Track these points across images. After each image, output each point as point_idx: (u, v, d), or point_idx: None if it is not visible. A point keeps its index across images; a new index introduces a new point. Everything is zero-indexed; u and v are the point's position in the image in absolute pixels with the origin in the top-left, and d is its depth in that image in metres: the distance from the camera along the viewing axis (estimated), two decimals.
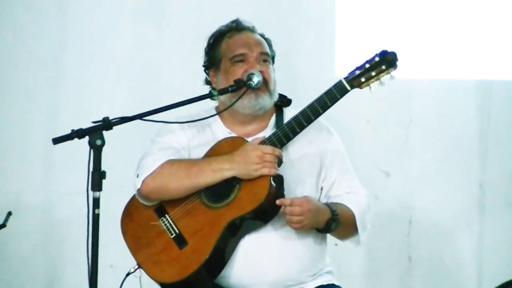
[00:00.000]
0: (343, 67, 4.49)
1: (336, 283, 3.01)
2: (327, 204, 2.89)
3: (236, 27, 3.04)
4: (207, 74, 3.09)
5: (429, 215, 4.60)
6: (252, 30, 3.05)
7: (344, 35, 4.56)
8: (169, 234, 2.88)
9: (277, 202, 2.76)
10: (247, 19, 3.10)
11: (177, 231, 2.88)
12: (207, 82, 3.09)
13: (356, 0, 4.58)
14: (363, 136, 4.51)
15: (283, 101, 3.03)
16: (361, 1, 4.57)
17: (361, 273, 4.60)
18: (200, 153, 2.93)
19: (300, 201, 2.78)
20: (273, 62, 3.05)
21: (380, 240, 4.59)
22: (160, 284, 2.90)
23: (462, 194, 4.60)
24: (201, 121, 2.95)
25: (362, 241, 3.00)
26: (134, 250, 2.94)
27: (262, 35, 3.06)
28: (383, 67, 2.76)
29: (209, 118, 2.97)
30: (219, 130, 2.99)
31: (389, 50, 2.77)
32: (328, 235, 3.01)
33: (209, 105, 3.03)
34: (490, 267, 4.58)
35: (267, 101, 2.94)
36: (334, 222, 2.84)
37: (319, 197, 2.99)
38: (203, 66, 3.10)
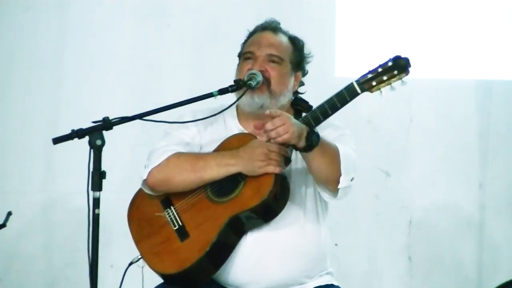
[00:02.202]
0: (343, 67, 4.50)
1: (335, 284, 3.01)
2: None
3: (261, 27, 3.06)
4: None
5: (429, 215, 4.60)
6: (275, 31, 3.04)
7: (344, 35, 4.57)
8: (172, 226, 2.90)
9: (266, 112, 2.70)
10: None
11: (180, 223, 2.89)
12: None
13: (356, 0, 4.58)
14: (363, 136, 4.51)
15: (304, 106, 3.01)
16: (361, 1, 4.57)
17: (361, 273, 4.60)
18: (211, 147, 2.95)
19: (276, 113, 2.71)
20: (299, 66, 3.04)
21: (380, 240, 4.60)
22: (160, 275, 2.91)
23: (462, 194, 4.61)
24: (216, 116, 2.95)
25: (343, 191, 2.83)
26: (137, 240, 2.95)
27: (292, 38, 3.05)
28: (395, 72, 2.74)
29: (225, 113, 2.97)
30: (233, 126, 3.01)
31: (402, 56, 2.76)
32: (330, 238, 3.02)
33: (230, 100, 3.01)
34: (490, 267, 4.58)
35: (266, 101, 2.93)
36: (314, 134, 2.73)
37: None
38: None
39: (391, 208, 4.60)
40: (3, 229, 3.87)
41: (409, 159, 4.61)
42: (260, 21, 3.11)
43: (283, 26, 3.08)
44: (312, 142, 2.72)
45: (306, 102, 3.02)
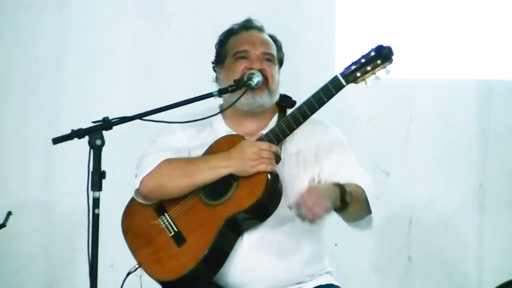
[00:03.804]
0: (343, 67, 4.50)
1: (335, 283, 3.01)
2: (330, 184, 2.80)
3: (245, 26, 3.05)
4: (215, 71, 3.09)
5: (429, 215, 4.60)
6: (260, 29, 3.05)
7: (344, 35, 4.56)
8: (168, 232, 2.89)
9: (289, 207, 2.69)
10: (253, 18, 3.11)
11: (176, 229, 2.88)
12: (217, 79, 3.09)
13: (356, 1, 4.58)
14: (363, 136, 4.51)
15: (288, 102, 3.03)
16: (361, 1, 4.57)
17: (361, 273, 4.60)
18: (200, 152, 2.94)
19: (307, 192, 2.67)
20: (281, 65, 3.05)
21: (380, 240, 4.59)
22: (160, 282, 2.91)
23: (462, 194, 4.60)
24: (202, 120, 2.95)
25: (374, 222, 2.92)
26: (134, 249, 2.95)
27: (272, 37, 3.06)
28: (379, 61, 2.77)
29: (211, 117, 2.97)
30: (220, 129, 3.00)
31: (384, 45, 2.77)
32: (328, 235, 3.03)
33: (213, 103, 3.02)
34: (490, 267, 4.58)
35: (266, 100, 2.94)
36: (347, 194, 2.73)
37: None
38: (212, 63, 3.10)
39: (391, 208, 4.59)
40: (3, 229, 3.88)
41: (409, 159, 4.61)
42: (260, 20, 3.11)
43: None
44: (347, 201, 2.72)
45: (290, 98, 3.03)
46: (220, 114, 2.99)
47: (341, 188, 2.73)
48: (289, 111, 3.03)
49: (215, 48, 3.11)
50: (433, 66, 4.55)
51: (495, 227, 4.59)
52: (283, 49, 3.12)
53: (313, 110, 2.81)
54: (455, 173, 4.60)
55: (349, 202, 2.72)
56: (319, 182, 2.94)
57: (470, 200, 4.61)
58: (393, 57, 2.76)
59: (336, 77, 2.80)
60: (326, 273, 3.01)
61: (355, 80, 2.79)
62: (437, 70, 4.57)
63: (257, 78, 2.89)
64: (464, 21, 4.55)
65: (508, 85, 4.60)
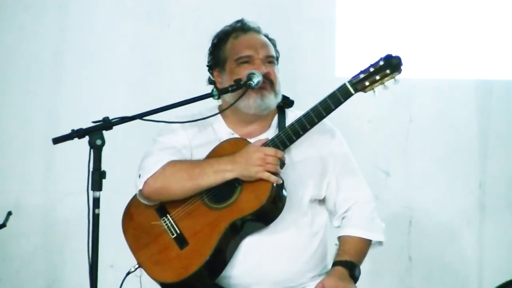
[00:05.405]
0: (343, 67, 4.50)
1: None
2: (337, 264, 2.91)
3: (241, 28, 3.03)
4: (211, 74, 3.08)
5: (429, 215, 4.60)
6: (257, 30, 3.04)
7: (344, 35, 4.56)
8: (170, 234, 2.88)
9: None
10: (247, 19, 3.10)
11: (178, 231, 2.88)
12: (211, 81, 3.08)
13: (356, 1, 4.58)
14: (363, 136, 4.51)
15: (286, 103, 3.03)
16: (361, 1, 4.57)
17: (361, 273, 4.59)
18: (202, 152, 2.94)
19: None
20: (278, 63, 3.05)
21: None
22: (160, 284, 2.90)
23: (462, 194, 4.60)
24: (203, 120, 2.94)
25: (384, 238, 3.06)
26: (134, 250, 2.94)
27: (266, 36, 3.05)
28: (388, 71, 2.75)
29: (211, 118, 2.97)
30: (221, 130, 3.00)
31: (393, 54, 2.76)
32: (329, 234, 3.03)
33: (212, 104, 3.03)
34: (490, 267, 4.57)
35: (272, 101, 2.94)
36: (356, 268, 2.90)
37: (327, 204, 3.03)
38: (207, 66, 3.09)
39: (391, 208, 4.59)
40: (3, 229, 3.88)
41: (409, 159, 4.61)
42: (260, 21, 3.11)
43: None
44: (358, 274, 2.91)
45: (287, 98, 3.04)
46: (219, 115, 2.99)
47: (348, 269, 2.87)
48: (287, 111, 3.03)
49: (209, 50, 3.08)
50: (433, 66, 4.55)
51: (495, 227, 4.59)
52: (283, 50, 3.11)
53: (320, 117, 2.81)
54: (455, 173, 4.60)
55: (360, 269, 2.90)
56: (324, 198, 3.00)
57: (470, 200, 4.60)
58: (402, 67, 2.75)
59: (344, 85, 2.78)
60: (327, 273, 3.00)
61: (363, 89, 2.78)
62: (437, 70, 4.57)
63: (257, 78, 2.89)
64: (464, 21, 4.55)
65: (508, 85, 4.59)
